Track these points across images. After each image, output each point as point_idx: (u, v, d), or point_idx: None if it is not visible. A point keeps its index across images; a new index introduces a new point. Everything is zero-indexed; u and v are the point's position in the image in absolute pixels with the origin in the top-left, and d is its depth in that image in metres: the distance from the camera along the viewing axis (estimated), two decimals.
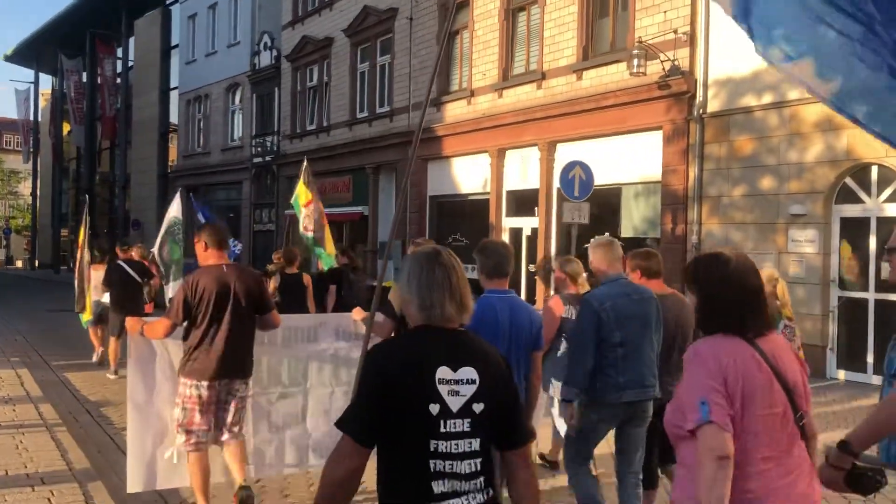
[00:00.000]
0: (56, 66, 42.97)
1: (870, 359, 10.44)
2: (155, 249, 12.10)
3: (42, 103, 48.65)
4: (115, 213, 38.33)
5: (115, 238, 28.05)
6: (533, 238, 15.82)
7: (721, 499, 2.25)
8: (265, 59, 26.24)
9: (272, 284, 9.54)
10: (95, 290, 11.15)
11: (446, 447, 2.16)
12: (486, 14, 16.73)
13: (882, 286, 10.14)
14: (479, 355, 2.29)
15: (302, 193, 11.55)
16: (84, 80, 40.99)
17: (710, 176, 12.31)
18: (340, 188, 22.17)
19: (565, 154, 14.52)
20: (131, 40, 36.69)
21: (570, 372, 4.43)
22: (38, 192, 48.20)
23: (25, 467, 5.86)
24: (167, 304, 10.93)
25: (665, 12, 12.87)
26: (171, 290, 10.71)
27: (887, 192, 10.46)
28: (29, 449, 6.36)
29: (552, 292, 6.83)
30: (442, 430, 2.16)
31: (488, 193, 16.82)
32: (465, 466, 2.19)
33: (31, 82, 47.08)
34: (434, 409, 2.16)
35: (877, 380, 9.08)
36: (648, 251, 5.10)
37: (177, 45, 32.70)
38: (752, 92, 11.68)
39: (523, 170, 16.13)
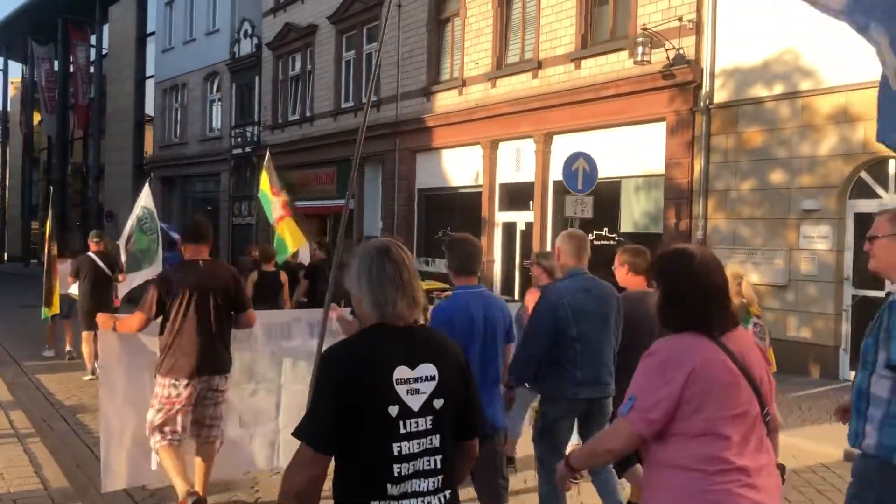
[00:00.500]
0: (26, 53, 41.55)
1: None
2: (121, 241, 11.47)
3: (12, 92, 47.59)
4: (87, 205, 37.35)
5: (87, 230, 27.15)
6: (527, 232, 15.32)
7: (591, 455, 2.65)
8: (245, 47, 25.44)
9: (250, 281, 9.31)
10: (62, 283, 10.81)
11: (408, 447, 2.14)
12: (479, 0, 16.17)
13: None
14: (437, 350, 2.26)
15: (265, 183, 10.29)
16: (56, 67, 39.82)
17: (716, 169, 11.88)
18: (324, 180, 21.47)
19: (563, 146, 14.02)
20: (105, 27, 35.69)
21: (514, 359, 4.38)
22: (7, 184, 47.37)
23: None
24: (118, 297, 10.41)
25: None
26: (133, 281, 10.10)
27: None
28: None
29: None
30: (402, 430, 2.13)
31: (480, 186, 16.28)
32: (424, 463, 2.17)
33: (0, 70, 45.80)
34: (393, 410, 2.13)
35: None
36: (637, 248, 5.05)
37: (153, 33, 31.76)
38: (762, 82, 11.24)
39: (517, 162, 15.62)
